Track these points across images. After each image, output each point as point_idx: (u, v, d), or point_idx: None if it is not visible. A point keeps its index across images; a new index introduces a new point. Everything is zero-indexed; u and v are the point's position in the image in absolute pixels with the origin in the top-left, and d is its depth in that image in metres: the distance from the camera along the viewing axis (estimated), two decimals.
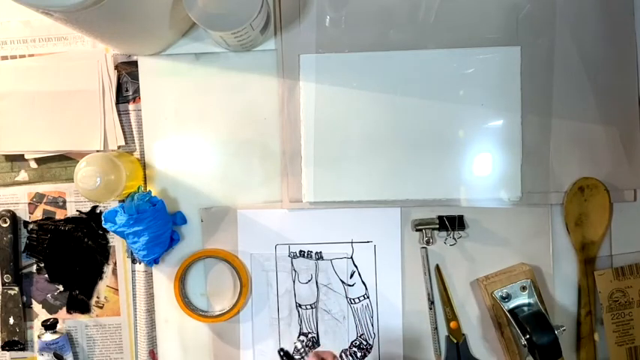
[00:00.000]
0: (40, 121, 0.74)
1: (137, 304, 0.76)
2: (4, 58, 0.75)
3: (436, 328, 0.74)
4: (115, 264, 0.76)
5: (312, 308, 0.75)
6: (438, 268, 0.73)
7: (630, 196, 0.72)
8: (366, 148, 0.72)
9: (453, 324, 0.73)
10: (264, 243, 0.74)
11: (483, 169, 0.71)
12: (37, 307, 0.77)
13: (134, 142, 0.75)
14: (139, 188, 0.73)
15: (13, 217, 0.75)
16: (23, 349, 0.77)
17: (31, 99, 0.74)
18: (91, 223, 0.76)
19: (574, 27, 0.71)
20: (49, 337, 0.73)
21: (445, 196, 0.72)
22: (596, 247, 0.72)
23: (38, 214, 0.76)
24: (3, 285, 0.76)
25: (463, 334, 0.73)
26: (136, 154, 0.75)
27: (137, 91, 0.74)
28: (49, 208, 0.76)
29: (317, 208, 0.73)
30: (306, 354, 0.74)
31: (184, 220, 0.74)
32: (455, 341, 0.73)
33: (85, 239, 0.76)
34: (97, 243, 0.76)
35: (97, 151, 0.73)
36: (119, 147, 0.75)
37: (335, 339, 0.75)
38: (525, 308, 0.69)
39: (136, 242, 0.69)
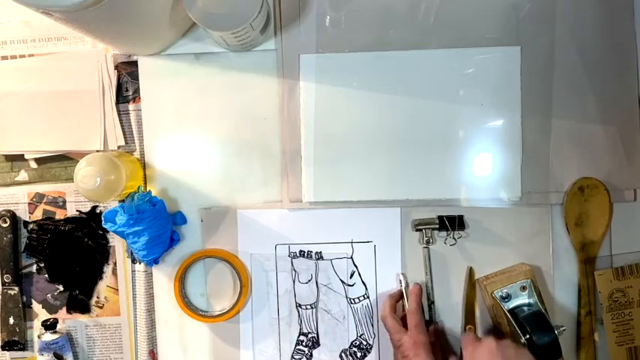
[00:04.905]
0: (40, 121, 0.74)
1: (137, 304, 0.76)
2: (4, 58, 0.75)
3: None
4: (115, 264, 0.76)
5: (312, 308, 0.75)
6: (471, 270, 0.72)
7: (630, 196, 0.72)
8: (366, 148, 0.72)
9: (469, 327, 0.72)
10: (264, 243, 0.74)
11: (483, 169, 0.71)
12: (37, 307, 0.77)
13: (134, 142, 0.75)
14: (139, 188, 0.73)
15: (13, 217, 0.75)
16: (23, 349, 0.77)
17: (31, 99, 0.74)
18: (91, 223, 0.76)
19: (574, 27, 0.71)
20: (49, 337, 0.73)
21: (445, 196, 0.72)
22: (596, 247, 0.72)
23: (38, 214, 0.76)
24: (3, 285, 0.76)
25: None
26: (136, 154, 0.75)
27: (137, 91, 0.74)
28: (49, 208, 0.76)
29: (317, 208, 0.73)
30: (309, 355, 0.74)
31: (184, 220, 0.74)
32: None
33: (85, 239, 0.76)
34: (97, 243, 0.76)
35: (97, 151, 0.73)
36: (119, 147, 0.75)
37: (335, 339, 0.75)
38: (525, 308, 0.69)
39: (136, 242, 0.69)
